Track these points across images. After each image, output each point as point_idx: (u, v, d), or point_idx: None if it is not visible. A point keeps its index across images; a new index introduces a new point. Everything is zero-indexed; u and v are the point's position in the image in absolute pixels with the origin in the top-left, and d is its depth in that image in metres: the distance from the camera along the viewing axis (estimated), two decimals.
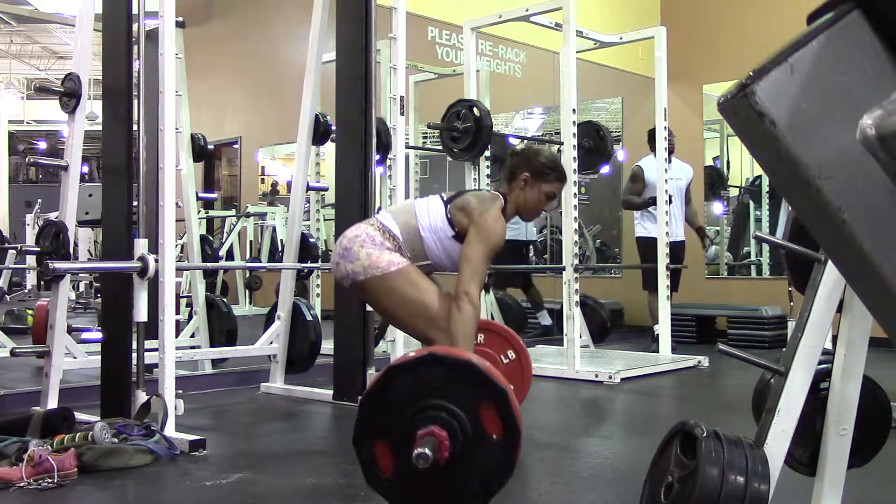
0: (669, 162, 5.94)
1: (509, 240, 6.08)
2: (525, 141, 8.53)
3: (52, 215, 4.50)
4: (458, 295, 2.69)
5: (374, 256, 2.72)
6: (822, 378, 1.76)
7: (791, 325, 2.49)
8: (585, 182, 7.88)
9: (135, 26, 3.52)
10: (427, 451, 1.94)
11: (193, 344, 4.95)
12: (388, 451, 2.06)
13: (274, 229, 9.18)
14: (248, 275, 9.31)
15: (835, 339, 1.75)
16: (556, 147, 6.31)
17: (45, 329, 3.62)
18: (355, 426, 2.09)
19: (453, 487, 2.05)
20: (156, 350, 3.27)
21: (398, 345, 4.00)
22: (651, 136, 5.98)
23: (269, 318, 4.55)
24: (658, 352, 5.75)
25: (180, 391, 3.28)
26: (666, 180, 5.81)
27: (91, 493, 2.61)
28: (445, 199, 2.89)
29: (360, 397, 3.96)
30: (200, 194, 6.14)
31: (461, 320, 2.65)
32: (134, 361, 3.34)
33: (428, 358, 2.12)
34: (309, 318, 4.43)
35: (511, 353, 3.26)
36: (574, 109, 5.05)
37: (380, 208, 4.09)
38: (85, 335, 5.67)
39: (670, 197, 5.90)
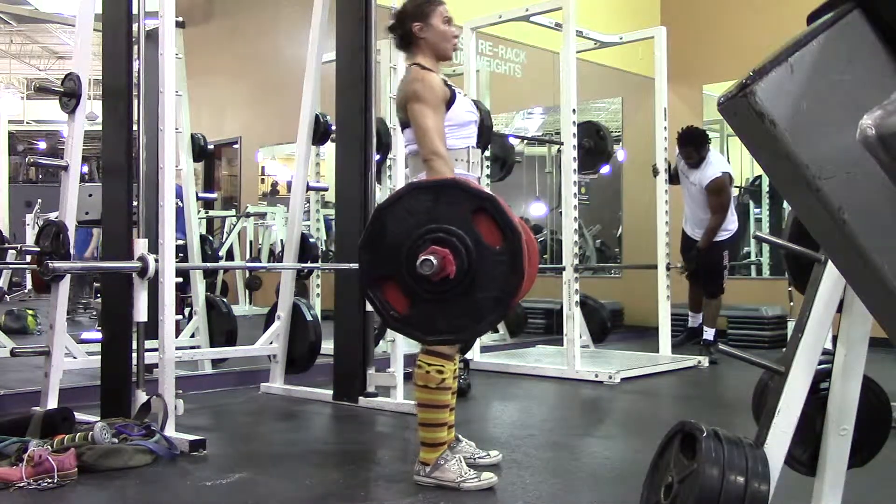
0: (695, 167, 5.77)
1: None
2: (524, 141, 8.54)
3: (52, 215, 4.50)
4: (426, 158, 2.63)
5: None
6: (822, 378, 1.75)
7: (791, 325, 2.48)
8: (585, 182, 7.88)
9: (135, 26, 3.52)
10: (431, 258, 1.95)
11: (193, 344, 4.95)
12: (398, 289, 2.06)
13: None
14: (248, 275, 9.30)
15: (835, 339, 1.75)
16: (556, 147, 6.33)
17: (45, 284, 3.63)
18: (360, 276, 2.10)
19: (470, 305, 2.04)
20: (156, 350, 3.27)
21: (398, 345, 4.00)
22: (689, 137, 5.76)
23: (269, 318, 4.55)
24: (709, 354, 5.69)
25: (180, 391, 3.28)
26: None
27: (91, 493, 2.61)
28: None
29: (362, 398, 3.99)
30: (200, 194, 6.16)
31: (434, 175, 2.59)
32: (134, 361, 3.34)
33: (409, 189, 2.12)
34: (309, 318, 4.43)
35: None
36: (574, 109, 5.05)
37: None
38: (85, 335, 5.67)
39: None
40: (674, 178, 6.00)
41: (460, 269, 1.99)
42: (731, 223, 5.91)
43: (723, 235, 5.86)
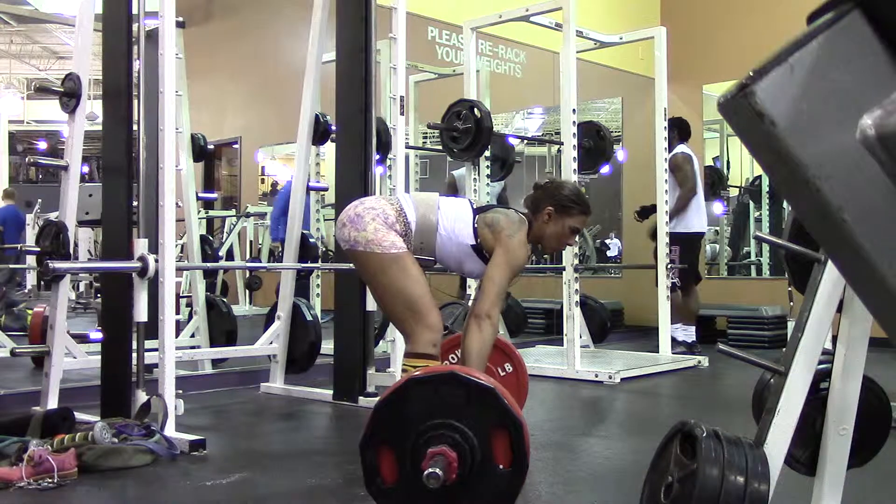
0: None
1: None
2: (524, 141, 8.54)
3: (52, 215, 4.50)
4: (479, 315, 2.69)
5: (381, 234, 2.71)
6: (822, 378, 1.75)
7: (791, 325, 2.48)
8: (585, 182, 7.89)
9: (135, 26, 3.52)
10: (439, 471, 1.94)
11: (193, 344, 4.95)
12: (393, 460, 2.06)
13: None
14: (248, 275, 9.31)
15: (835, 339, 1.75)
16: (556, 147, 6.34)
17: (41, 335, 3.61)
18: (365, 430, 2.09)
19: None
20: (156, 350, 3.27)
21: (398, 345, 4.00)
22: (680, 123, 6.01)
23: (269, 318, 4.55)
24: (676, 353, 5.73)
25: (180, 391, 3.28)
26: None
27: (91, 493, 2.61)
28: (475, 207, 2.90)
29: (362, 398, 4.00)
30: (200, 194, 6.15)
31: (481, 340, 2.67)
32: (134, 361, 3.34)
33: (450, 377, 2.11)
34: (309, 318, 4.43)
35: (508, 366, 3.26)
36: (574, 109, 5.05)
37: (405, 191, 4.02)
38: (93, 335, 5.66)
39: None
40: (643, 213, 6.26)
41: (458, 477, 1.99)
42: (690, 223, 5.98)
43: (678, 228, 5.94)
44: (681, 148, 6.06)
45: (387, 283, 2.76)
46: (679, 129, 6.08)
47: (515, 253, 2.77)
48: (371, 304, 4.06)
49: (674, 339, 5.91)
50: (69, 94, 3.59)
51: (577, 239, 3.02)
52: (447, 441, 2.01)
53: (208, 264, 5.53)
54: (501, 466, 2.03)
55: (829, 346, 1.76)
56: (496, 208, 2.94)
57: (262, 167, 11.32)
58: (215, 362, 4.94)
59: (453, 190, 6.62)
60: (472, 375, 2.12)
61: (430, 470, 1.95)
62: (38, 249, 3.53)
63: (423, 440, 2.02)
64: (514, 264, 2.77)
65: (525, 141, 8.60)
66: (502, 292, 2.76)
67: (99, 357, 3.59)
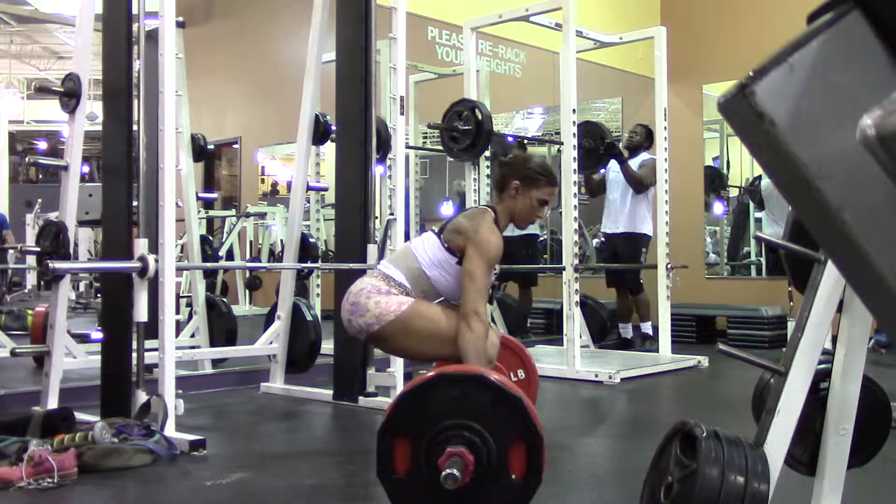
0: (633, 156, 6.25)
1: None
2: (524, 141, 8.53)
3: (52, 215, 4.50)
4: (466, 314, 2.68)
5: (384, 303, 2.73)
6: (822, 378, 1.75)
7: (791, 325, 2.48)
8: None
9: (135, 26, 3.52)
10: (457, 472, 1.94)
11: (193, 344, 4.95)
12: (409, 452, 2.06)
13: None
14: (248, 275, 9.30)
15: (835, 339, 1.75)
16: (556, 147, 6.34)
17: (43, 335, 3.61)
18: (386, 417, 2.09)
19: None
20: (156, 350, 3.27)
21: None
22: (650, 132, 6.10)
23: (269, 318, 4.55)
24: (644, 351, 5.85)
25: (180, 391, 3.28)
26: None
27: (91, 493, 2.61)
28: (437, 231, 2.91)
29: (362, 398, 3.99)
30: (200, 194, 6.15)
31: (473, 339, 2.67)
32: (134, 361, 3.34)
33: (479, 379, 2.12)
34: (309, 318, 4.43)
35: (521, 372, 3.27)
36: (574, 109, 5.05)
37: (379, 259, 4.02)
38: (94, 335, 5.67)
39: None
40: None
41: (471, 480, 2.00)
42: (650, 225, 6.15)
43: (644, 230, 6.14)
44: (650, 154, 6.20)
45: (416, 337, 2.78)
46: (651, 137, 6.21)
47: (485, 244, 2.75)
48: None
49: (647, 336, 6.11)
50: (69, 94, 3.59)
51: (546, 211, 3.00)
52: (466, 442, 2.01)
53: (208, 264, 5.54)
54: (514, 476, 2.03)
55: (829, 346, 1.76)
56: (454, 217, 2.94)
57: (262, 167, 11.31)
58: (215, 362, 4.94)
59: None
60: (502, 383, 2.12)
61: (449, 471, 1.95)
62: (38, 249, 3.53)
63: (442, 437, 2.02)
64: (488, 255, 2.74)
65: (525, 141, 8.59)
66: (482, 285, 2.73)
67: (99, 357, 3.59)
